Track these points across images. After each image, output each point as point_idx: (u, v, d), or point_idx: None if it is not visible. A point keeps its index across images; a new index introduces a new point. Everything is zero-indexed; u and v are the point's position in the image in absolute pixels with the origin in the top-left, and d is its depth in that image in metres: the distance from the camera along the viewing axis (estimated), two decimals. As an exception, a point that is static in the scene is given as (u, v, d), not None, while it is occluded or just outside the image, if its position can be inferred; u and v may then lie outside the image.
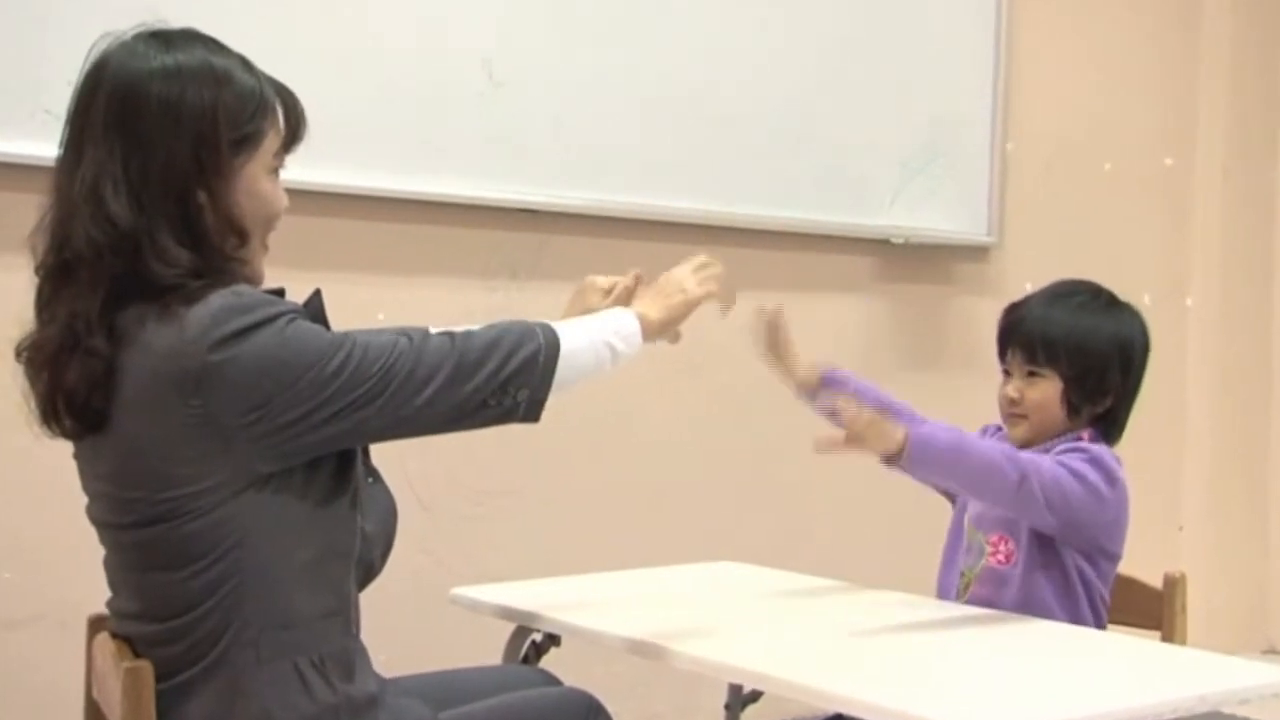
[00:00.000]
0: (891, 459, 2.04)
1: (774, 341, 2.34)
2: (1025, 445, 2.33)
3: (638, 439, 3.37)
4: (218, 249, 1.69)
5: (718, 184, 3.41)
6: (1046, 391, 2.30)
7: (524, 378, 1.75)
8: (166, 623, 1.68)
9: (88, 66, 1.71)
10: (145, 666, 1.63)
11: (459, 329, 1.76)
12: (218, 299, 1.63)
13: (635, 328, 1.90)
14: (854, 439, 2.02)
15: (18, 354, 1.71)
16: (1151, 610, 2.30)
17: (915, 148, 3.76)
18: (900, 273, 3.80)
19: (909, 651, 1.98)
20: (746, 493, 3.50)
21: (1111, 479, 2.23)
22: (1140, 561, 2.37)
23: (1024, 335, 2.33)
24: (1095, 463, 2.22)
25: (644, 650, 1.95)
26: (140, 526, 1.67)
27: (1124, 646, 2.04)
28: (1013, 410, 2.33)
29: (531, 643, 2.25)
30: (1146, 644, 2.10)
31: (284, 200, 1.78)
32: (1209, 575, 4.18)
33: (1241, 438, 4.49)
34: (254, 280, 1.75)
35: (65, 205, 1.67)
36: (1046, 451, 2.29)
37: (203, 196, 1.68)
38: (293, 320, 1.65)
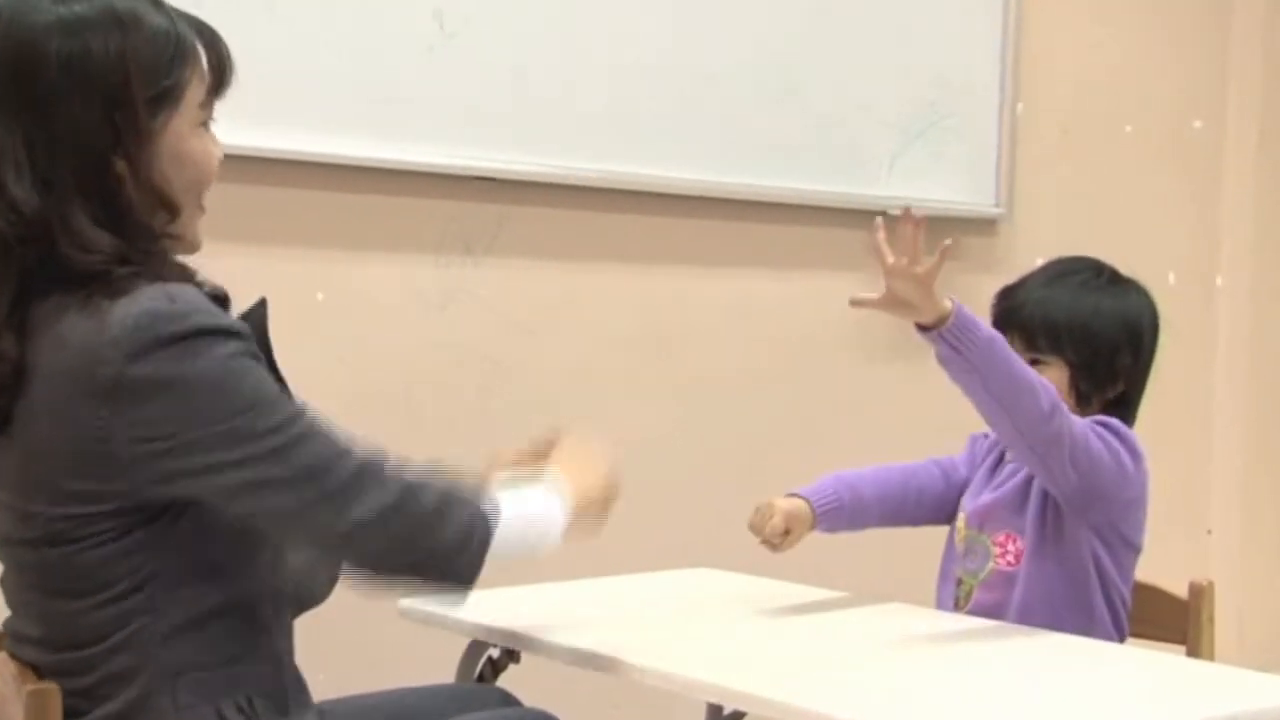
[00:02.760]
0: (929, 328, 2.05)
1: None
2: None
3: (605, 431, 3.37)
4: (144, 226, 1.65)
5: (696, 149, 3.40)
6: (1052, 380, 2.31)
7: (450, 564, 1.73)
8: (73, 652, 1.66)
9: None
10: (52, 689, 1.61)
11: (415, 467, 1.72)
12: (147, 298, 1.58)
13: (561, 526, 1.88)
14: (893, 300, 2.02)
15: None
16: (1176, 621, 2.32)
17: (915, 108, 3.76)
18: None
19: (907, 668, 1.99)
20: (727, 491, 3.47)
21: (1136, 455, 2.27)
22: (1164, 568, 2.38)
23: (1023, 321, 2.35)
24: (1121, 435, 2.26)
25: (612, 667, 1.96)
26: (41, 545, 1.64)
27: (1145, 661, 2.05)
28: (1017, 403, 2.34)
29: (488, 659, 2.25)
30: (1170, 658, 2.11)
31: (217, 154, 1.73)
32: (1239, 583, 4.21)
33: (1276, 432, 4.50)
34: (190, 250, 1.71)
35: None
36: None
37: (121, 166, 1.63)
38: (238, 355, 1.60)
